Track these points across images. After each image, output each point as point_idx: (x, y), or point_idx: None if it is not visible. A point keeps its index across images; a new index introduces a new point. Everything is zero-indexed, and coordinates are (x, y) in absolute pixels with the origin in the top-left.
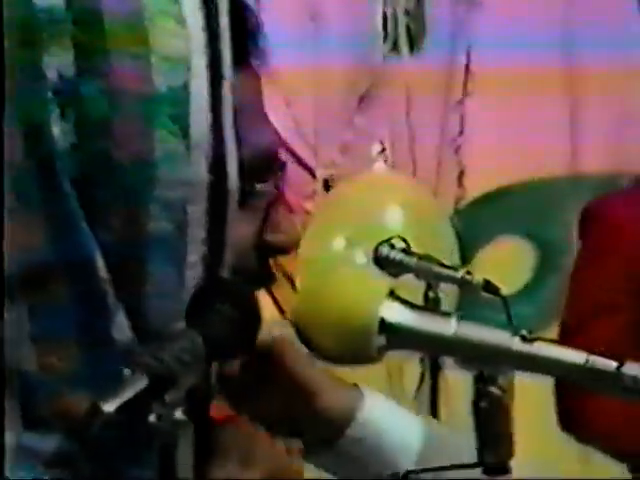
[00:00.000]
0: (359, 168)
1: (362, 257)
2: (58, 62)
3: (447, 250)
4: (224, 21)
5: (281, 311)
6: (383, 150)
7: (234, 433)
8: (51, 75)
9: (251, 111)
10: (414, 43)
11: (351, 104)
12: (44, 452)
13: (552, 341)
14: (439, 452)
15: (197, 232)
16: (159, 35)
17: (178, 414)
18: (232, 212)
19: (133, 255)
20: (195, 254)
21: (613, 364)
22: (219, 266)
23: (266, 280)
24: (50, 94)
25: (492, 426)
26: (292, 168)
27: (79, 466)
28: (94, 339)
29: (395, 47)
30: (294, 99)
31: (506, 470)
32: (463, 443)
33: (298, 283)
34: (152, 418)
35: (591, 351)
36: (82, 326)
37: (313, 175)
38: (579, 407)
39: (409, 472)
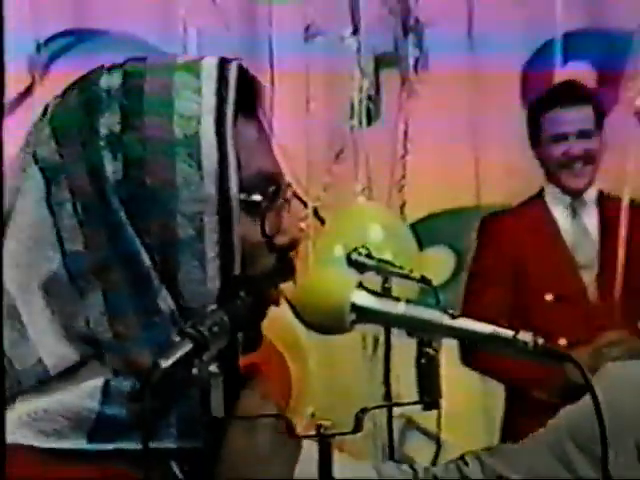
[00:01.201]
0: (337, 200)
1: (341, 260)
2: (108, 123)
3: (410, 251)
4: (232, 89)
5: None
6: (364, 189)
7: (256, 377)
8: (103, 130)
9: (260, 143)
10: (372, 119)
11: (330, 158)
12: (126, 391)
13: (470, 317)
14: None
15: (212, 235)
16: (181, 101)
17: (212, 368)
18: (236, 220)
19: (169, 252)
20: (212, 251)
21: (511, 332)
22: (232, 259)
23: (288, 274)
24: (102, 143)
25: (428, 376)
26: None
27: (146, 402)
28: (147, 310)
29: (359, 121)
30: (292, 155)
31: (438, 406)
32: None
33: (299, 278)
34: (194, 371)
35: (496, 324)
36: (138, 302)
37: (305, 205)
38: (474, 353)
39: (363, 410)
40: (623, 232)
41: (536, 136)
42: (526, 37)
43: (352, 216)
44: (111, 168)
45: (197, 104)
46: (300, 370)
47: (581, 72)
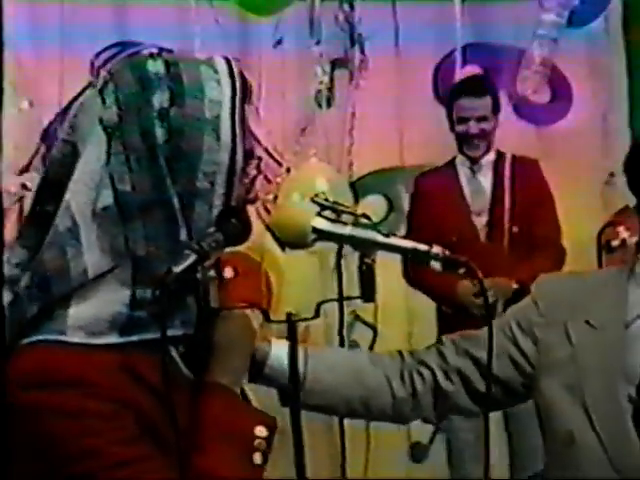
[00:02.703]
0: (302, 162)
1: (307, 201)
2: (160, 99)
3: (348, 199)
4: (238, 83)
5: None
6: (315, 153)
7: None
8: (156, 104)
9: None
10: (330, 103)
11: (298, 132)
12: (147, 298)
13: (398, 236)
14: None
15: (220, 189)
16: (208, 89)
17: (211, 273)
18: (237, 180)
19: (189, 198)
20: (218, 200)
21: (426, 247)
22: (229, 205)
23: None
24: (155, 114)
25: (367, 278)
26: (271, 162)
27: (163, 304)
28: (172, 238)
29: (319, 105)
30: (273, 130)
31: (374, 300)
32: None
33: (273, 211)
34: (198, 275)
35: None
36: (166, 232)
37: (280, 165)
38: (414, 272)
39: (320, 303)
40: (507, 184)
41: (450, 117)
42: (436, 47)
43: (305, 171)
44: (160, 133)
45: (219, 92)
46: (279, 280)
47: (473, 72)
